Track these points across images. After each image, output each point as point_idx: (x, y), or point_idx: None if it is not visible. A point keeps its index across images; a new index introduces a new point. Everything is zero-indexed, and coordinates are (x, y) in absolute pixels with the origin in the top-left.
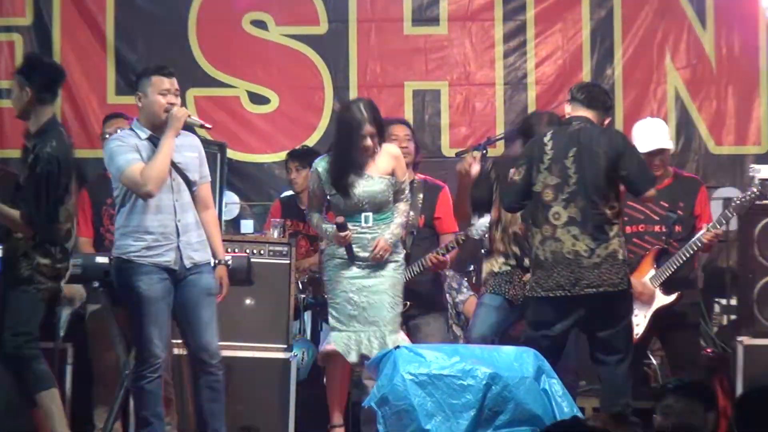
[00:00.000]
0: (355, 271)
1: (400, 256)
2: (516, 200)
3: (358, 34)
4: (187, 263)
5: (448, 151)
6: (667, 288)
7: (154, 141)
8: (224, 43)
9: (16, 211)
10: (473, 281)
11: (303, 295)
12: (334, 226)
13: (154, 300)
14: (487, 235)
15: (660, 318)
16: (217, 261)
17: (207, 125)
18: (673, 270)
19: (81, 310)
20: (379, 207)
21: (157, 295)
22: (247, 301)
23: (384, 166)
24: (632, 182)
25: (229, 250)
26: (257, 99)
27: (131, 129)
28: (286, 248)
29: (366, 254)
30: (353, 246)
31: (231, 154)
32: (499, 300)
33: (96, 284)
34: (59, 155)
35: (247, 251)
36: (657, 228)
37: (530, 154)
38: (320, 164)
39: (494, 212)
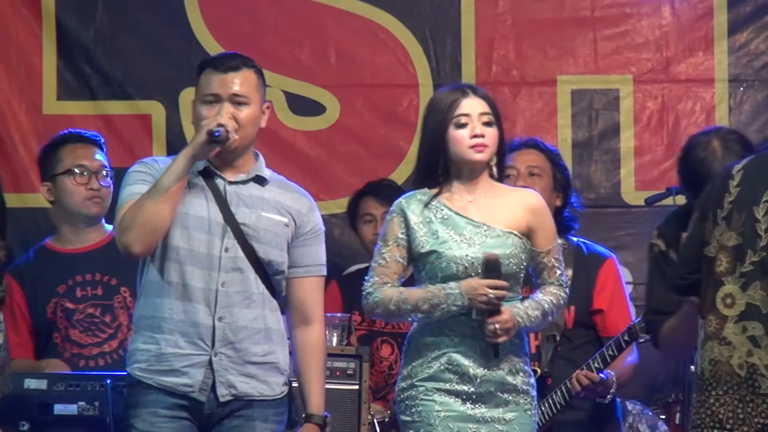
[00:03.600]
0: (458, 404)
1: (532, 381)
2: (681, 274)
3: None
4: (223, 394)
5: (632, 195)
6: None
7: (212, 180)
8: (246, 10)
9: None
10: (676, 419)
11: None
12: (457, 285)
13: None
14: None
15: None
16: (304, 415)
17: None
18: None
19: None
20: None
21: None
22: None
23: (513, 216)
24: None
25: None
26: (303, 105)
27: None
28: (353, 363)
29: (479, 370)
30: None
31: None
32: None
33: (24, 426)
34: None
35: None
36: None
37: (706, 195)
38: (411, 201)
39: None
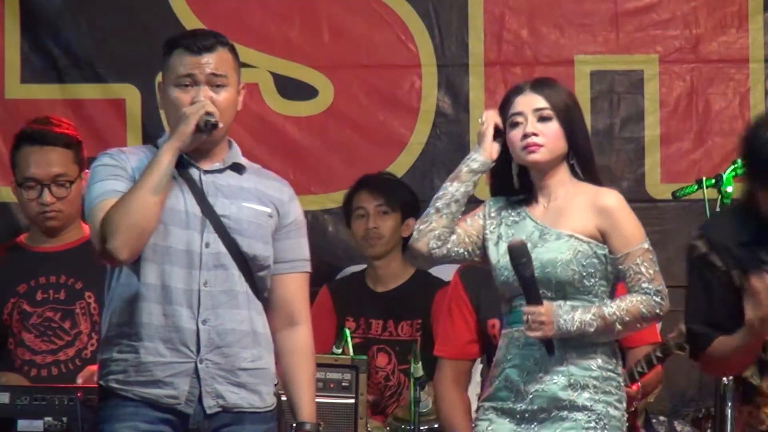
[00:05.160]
0: (510, 424)
1: (609, 399)
2: None
3: None
4: (210, 406)
5: (657, 188)
6: None
7: (185, 170)
8: None
9: None
10: None
11: None
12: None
13: None
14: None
15: None
16: (294, 424)
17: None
18: None
19: None
20: (562, 293)
21: None
22: None
23: (583, 219)
24: None
25: None
26: (294, 88)
27: (154, 145)
28: (348, 375)
29: (531, 386)
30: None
31: None
32: None
33: None
34: None
35: (275, 380)
36: None
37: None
38: (498, 200)
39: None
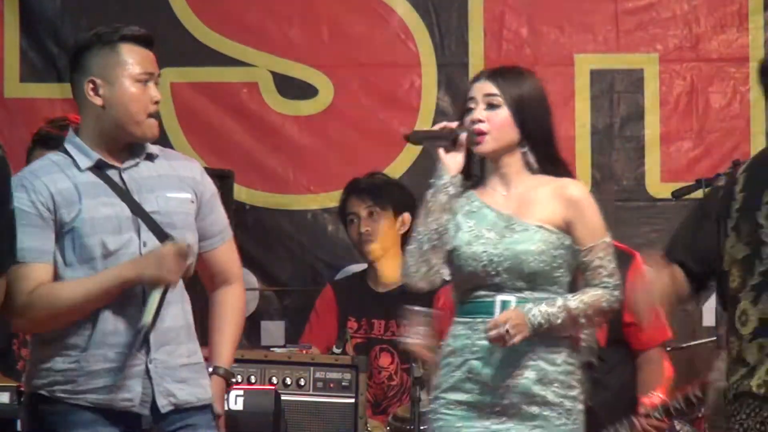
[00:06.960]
0: (480, 419)
1: (574, 393)
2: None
3: None
4: (163, 405)
5: (657, 187)
6: None
7: (103, 172)
8: None
9: None
10: None
11: None
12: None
13: None
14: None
15: None
16: (211, 368)
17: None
18: None
19: None
20: (532, 284)
21: None
22: None
23: (550, 210)
24: None
25: (241, 378)
26: (293, 88)
27: (63, 151)
28: (348, 374)
29: (501, 380)
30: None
31: (243, 194)
32: None
33: None
34: None
35: (275, 380)
36: None
37: (713, 197)
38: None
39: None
